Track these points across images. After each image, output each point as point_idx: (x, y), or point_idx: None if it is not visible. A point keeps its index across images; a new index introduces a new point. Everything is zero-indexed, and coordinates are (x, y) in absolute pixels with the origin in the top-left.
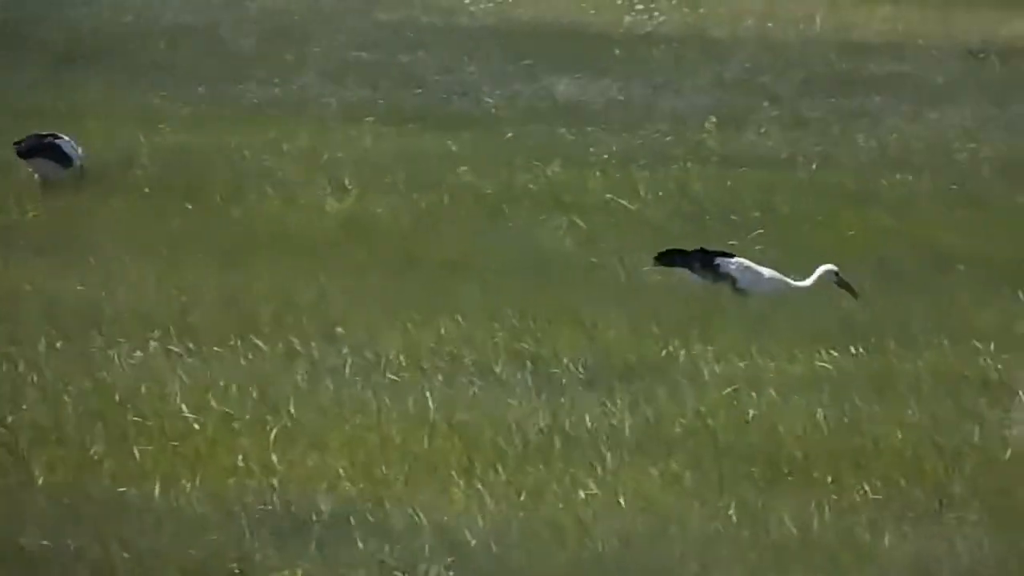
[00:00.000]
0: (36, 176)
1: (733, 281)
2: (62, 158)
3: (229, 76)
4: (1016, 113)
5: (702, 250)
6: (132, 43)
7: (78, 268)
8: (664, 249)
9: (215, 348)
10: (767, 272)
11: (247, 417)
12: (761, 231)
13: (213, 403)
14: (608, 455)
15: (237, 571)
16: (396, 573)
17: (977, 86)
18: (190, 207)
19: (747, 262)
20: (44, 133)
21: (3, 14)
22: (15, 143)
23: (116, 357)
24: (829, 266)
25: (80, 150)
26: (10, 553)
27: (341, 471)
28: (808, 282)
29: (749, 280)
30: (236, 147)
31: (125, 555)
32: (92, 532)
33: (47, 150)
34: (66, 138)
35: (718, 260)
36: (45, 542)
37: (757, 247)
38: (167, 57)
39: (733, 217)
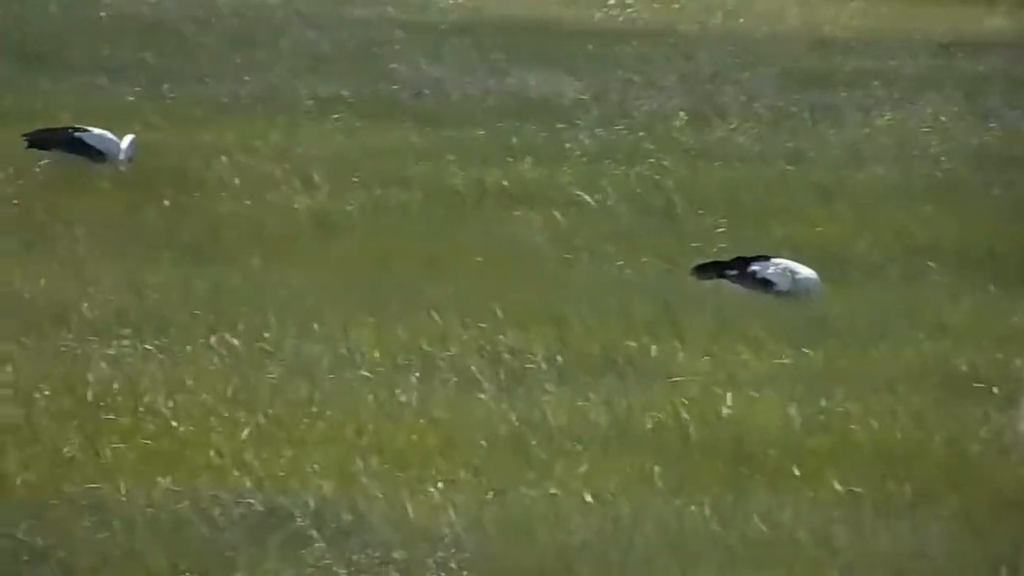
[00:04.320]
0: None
1: (771, 285)
2: (88, 151)
3: (200, 72)
4: (986, 107)
5: (739, 258)
6: (101, 40)
7: (49, 265)
8: (701, 262)
9: (188, 345)
10: (805, 272)
11: (221, 414)
12: (732, 227)
13: (187, 401)
14: (580, 451)
15: (211, 569)
16: (372, 569)
17: (947, 81)
18: (162, 204)
19: (786, 263)
20: (62, 127)
21: None
22: (23, 136)
23: (88, 355)
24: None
25: (125, 143)
26: None
27: (316, 468)
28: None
29: (788, 282)
30: (207, 144)
31: (98, 554)
32: (64, 531)
33: (65, 143)
34: (95, 131)
35: (755, 266)
36: (18, 540)
37: (721, 245)
38: (138, 54)
39: (702, 213)
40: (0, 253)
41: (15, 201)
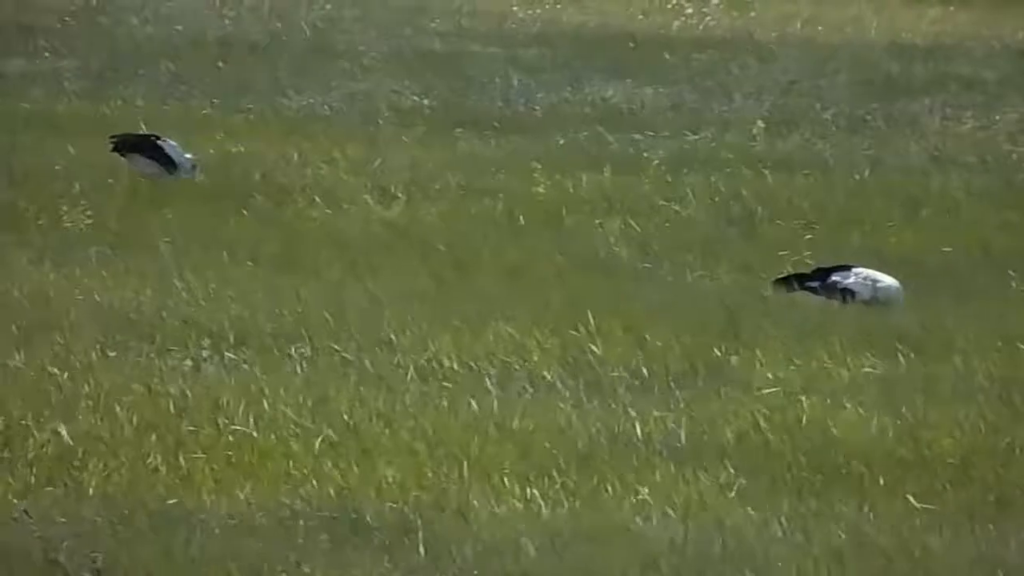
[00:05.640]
0: (140, 175)
1: (853, 295)
2: (165, 160)
3: (279, 85)
4: None
5: (819, 269)
6: (180, 53)
7: (130, 276)
8: (781, 275)
9: (268, 356)
10: (886, 280)
11: (301, 425)
12: (811, 236)
13: (267, 411)
14: (660, 461)
15: None
16: None
17: None
18: (242, 215)
19: (867, 272)
20: (146, 133)
21: (47, 23)
22: (111, 138)
23: (169, 366)
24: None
25: (188, 156)
26: (64, 562)
27: (395, 478)
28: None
29: (869, 291)
30: (287, 155)
31: (179, 564)
32: (146, 541)
33: (147, 149)
34: (171, 142)
35: (834, 276)
36: (97, 553)
37: (801, 254)
38: (217, 67)
39: (781, 222)
40: (82, 264)
41: (90, 212)
